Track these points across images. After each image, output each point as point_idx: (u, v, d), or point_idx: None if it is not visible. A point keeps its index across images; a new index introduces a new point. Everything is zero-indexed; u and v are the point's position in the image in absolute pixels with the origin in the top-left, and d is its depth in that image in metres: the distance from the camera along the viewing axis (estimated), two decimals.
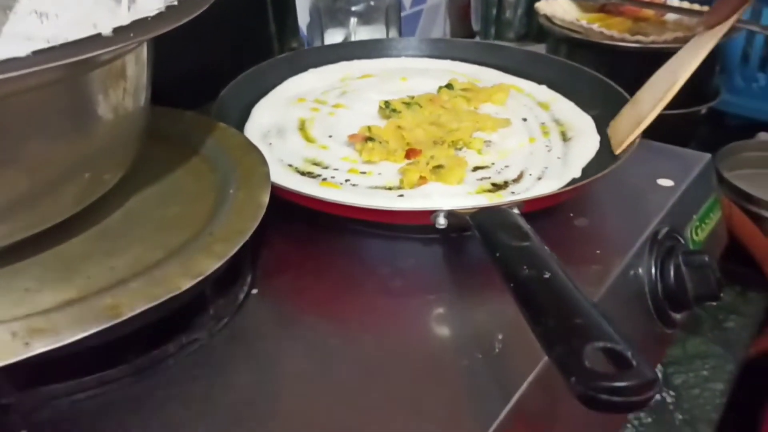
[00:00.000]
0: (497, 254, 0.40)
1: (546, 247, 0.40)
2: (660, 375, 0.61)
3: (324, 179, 0.54)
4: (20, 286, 0.39)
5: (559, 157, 0.57)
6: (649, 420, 0.57)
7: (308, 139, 0.59)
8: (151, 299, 0.37)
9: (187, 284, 0.38)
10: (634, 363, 0.30)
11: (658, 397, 0.59)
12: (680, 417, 0.57)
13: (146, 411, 0.39)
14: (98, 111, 0.37)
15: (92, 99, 0.36)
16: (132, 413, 0.39)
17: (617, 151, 0.56)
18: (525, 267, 0.38)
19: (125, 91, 0.39)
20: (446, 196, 0.51)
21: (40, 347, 0.34)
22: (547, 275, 0.37)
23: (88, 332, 0.34)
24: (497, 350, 0.43)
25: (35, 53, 0.29)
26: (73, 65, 0.30)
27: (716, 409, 0.59)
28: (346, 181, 0.54)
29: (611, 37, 0.79)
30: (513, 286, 0.37)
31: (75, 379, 0.39)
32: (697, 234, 0.60)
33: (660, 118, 0.80)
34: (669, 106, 0.83)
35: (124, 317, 0.35)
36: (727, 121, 0.99)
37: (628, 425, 0.56)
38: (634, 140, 0.55)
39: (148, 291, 0.37)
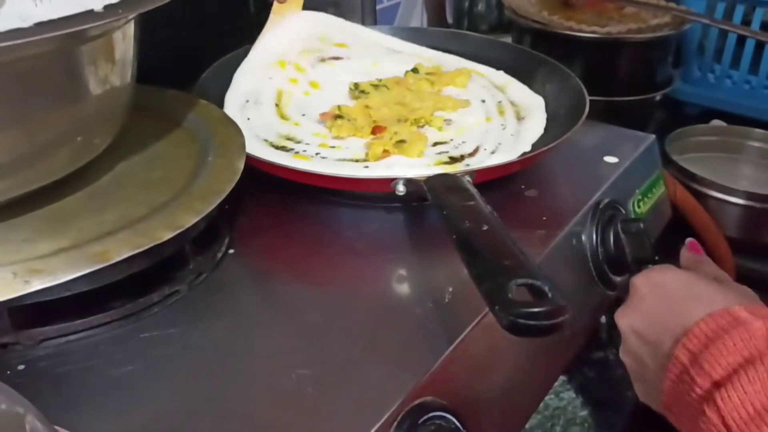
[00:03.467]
0: (445, 212, 0.45)
1: (489, 207, 0.45)
2: (605, 336, 0.66)
3: (296, 152, 0.59)
4: (18, 237, 0.43)
5: (512, 135, 0.62)
6: (593, 375, 0.62)
7: (283, 117, 0.64)
8: (136, 247, 0.41)
9: (168, 235, 0.43)
10: (550, 295, 0.36)
11: (602, 354, 0.64)
12: (621, 372, 0.63)
13: (130, 350, 0.44)
14: (90, 80, 0.42)
15: (85, 69, 0.41)
16: (117, 352, 0.43)
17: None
18: (467, 221, 0.43)
19: (114, 64, 0.43)
20: (407, 167, 0.56)
21: (38, 285, 0.39)
22: (485, 228, 0.42)
23: (80, 273, 0.39)
24: (447, 300, 0.48)
25: (37, 24, 0.34)
26: (69, 36, 0.35)
27: None
28: (317, 154, 0.59)
29: (570, 28, 0.85)
30: (455, 237, 0.42)
31: (67, 322, 0.44)
32: (639, 207, 0.65)
33: (616, 103, 0.86)
34: (625, 93, 0.89)
35: (112, 261, 0.40)
36: (685, 110, 1.05)
37: (573, 379, 0.61)
38: None
39: (134, 240, 0.42)
